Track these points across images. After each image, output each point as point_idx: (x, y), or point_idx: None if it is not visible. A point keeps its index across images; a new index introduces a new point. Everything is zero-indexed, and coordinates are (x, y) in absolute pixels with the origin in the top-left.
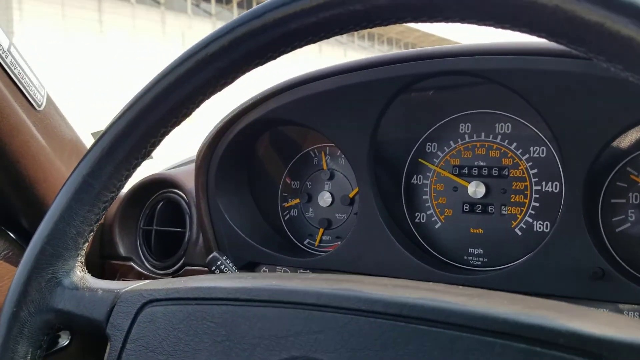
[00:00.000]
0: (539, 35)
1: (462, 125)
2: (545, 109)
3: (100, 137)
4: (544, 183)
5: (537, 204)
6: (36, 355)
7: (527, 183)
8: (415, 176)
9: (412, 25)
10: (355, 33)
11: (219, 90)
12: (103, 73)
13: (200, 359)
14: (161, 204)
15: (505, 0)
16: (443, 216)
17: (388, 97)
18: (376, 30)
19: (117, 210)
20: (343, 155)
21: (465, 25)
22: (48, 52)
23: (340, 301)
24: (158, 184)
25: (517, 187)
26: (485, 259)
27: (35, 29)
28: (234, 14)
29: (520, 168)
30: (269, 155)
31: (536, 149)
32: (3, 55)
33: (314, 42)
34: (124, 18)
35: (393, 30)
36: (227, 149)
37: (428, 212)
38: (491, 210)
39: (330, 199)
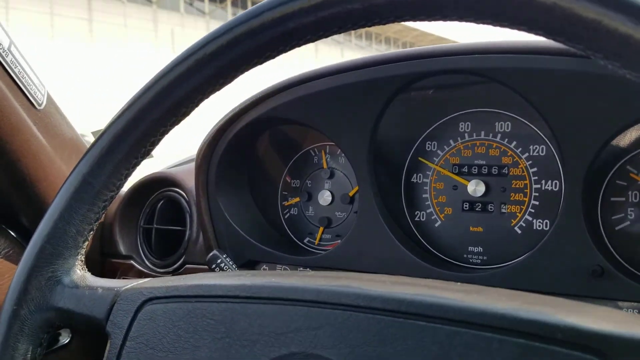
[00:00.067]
0: (537, 33)
1: (461, 124)
2: (545, 108)
3: (99, 136)
4: (543, 181)
5: (537, 203)
6: (36, 353)
7: (527, 181)
8: (415, 175)
9: (410, 24)
10: (353, 32)
11: (218, 89)
12: (94, 72)
13: (200, 356)
14: (161, 202)
15: None
16: (443, 214)
17: (388, 96)
18: (374, 29)
19: (118, 208)
20: (343, 154)
21: (464, 23)
22: (35, 51)
23: (338, 297)
24: (158, 183)
25: (517, 186)
26: (485, 257)
27: (22, 27)
28: (228, 12)
29: (520, 166)
30: (269, 154)
31: (536, 148)
32: (3, 54)
33: (312, 41)
34: (115, 17)
35: (391, 29)
36: (227, 148)
37: (428, 211)
38: (491, 208)
39: (330, 198)
